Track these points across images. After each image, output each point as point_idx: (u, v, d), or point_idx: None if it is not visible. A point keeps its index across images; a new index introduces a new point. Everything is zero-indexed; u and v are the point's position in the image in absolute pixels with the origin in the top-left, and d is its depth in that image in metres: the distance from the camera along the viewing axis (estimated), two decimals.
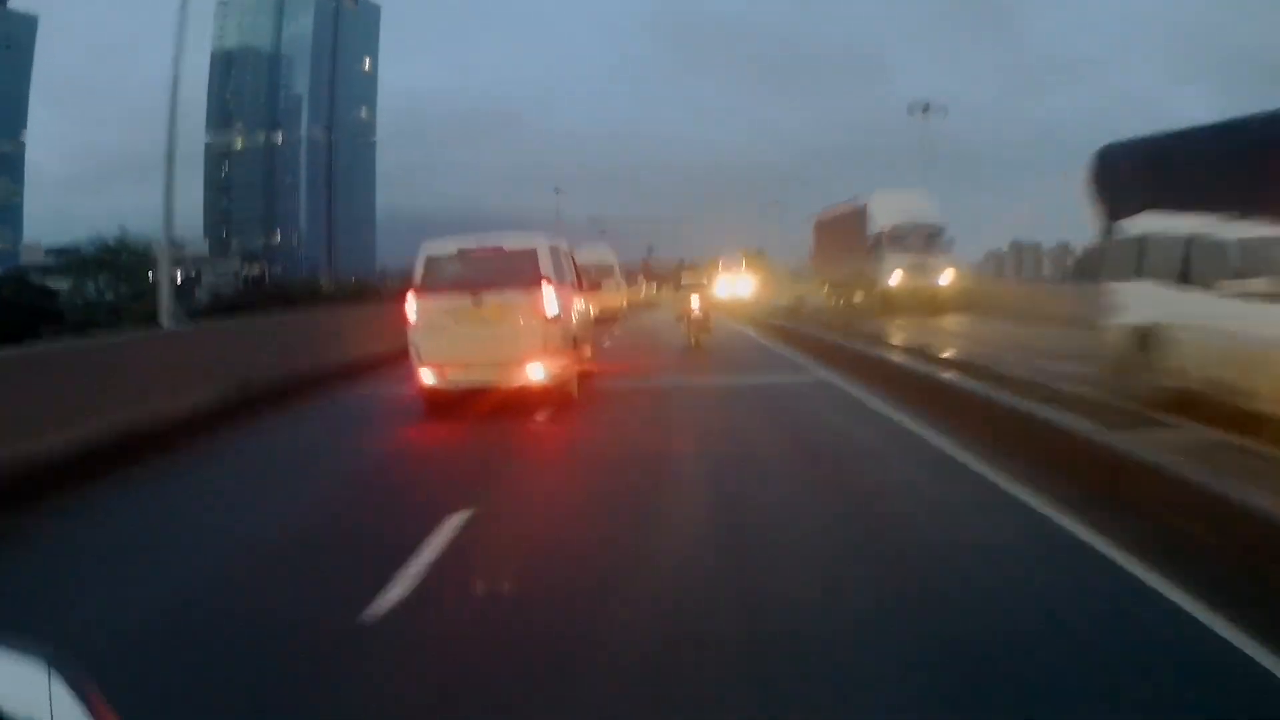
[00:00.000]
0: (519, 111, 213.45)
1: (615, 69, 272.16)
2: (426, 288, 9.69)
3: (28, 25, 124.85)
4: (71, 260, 53.00)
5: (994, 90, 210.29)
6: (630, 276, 45.37)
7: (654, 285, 57.85)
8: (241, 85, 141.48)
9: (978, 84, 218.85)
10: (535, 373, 9.42)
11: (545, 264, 9.70)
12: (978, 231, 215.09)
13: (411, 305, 9.65)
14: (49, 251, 72.81)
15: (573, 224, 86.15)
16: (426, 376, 9.55)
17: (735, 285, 37.26)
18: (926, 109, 40.60)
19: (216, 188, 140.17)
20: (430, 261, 9.89)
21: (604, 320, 29.84)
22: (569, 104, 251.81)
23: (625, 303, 32.33)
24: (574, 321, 10.47)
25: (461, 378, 9.55)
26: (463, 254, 10.02)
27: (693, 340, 16.62)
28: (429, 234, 10.42)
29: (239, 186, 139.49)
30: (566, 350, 9.86)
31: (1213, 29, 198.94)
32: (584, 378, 10.90)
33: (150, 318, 21.35)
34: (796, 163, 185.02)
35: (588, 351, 11.74)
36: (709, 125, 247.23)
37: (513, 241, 10.15)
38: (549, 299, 9.48)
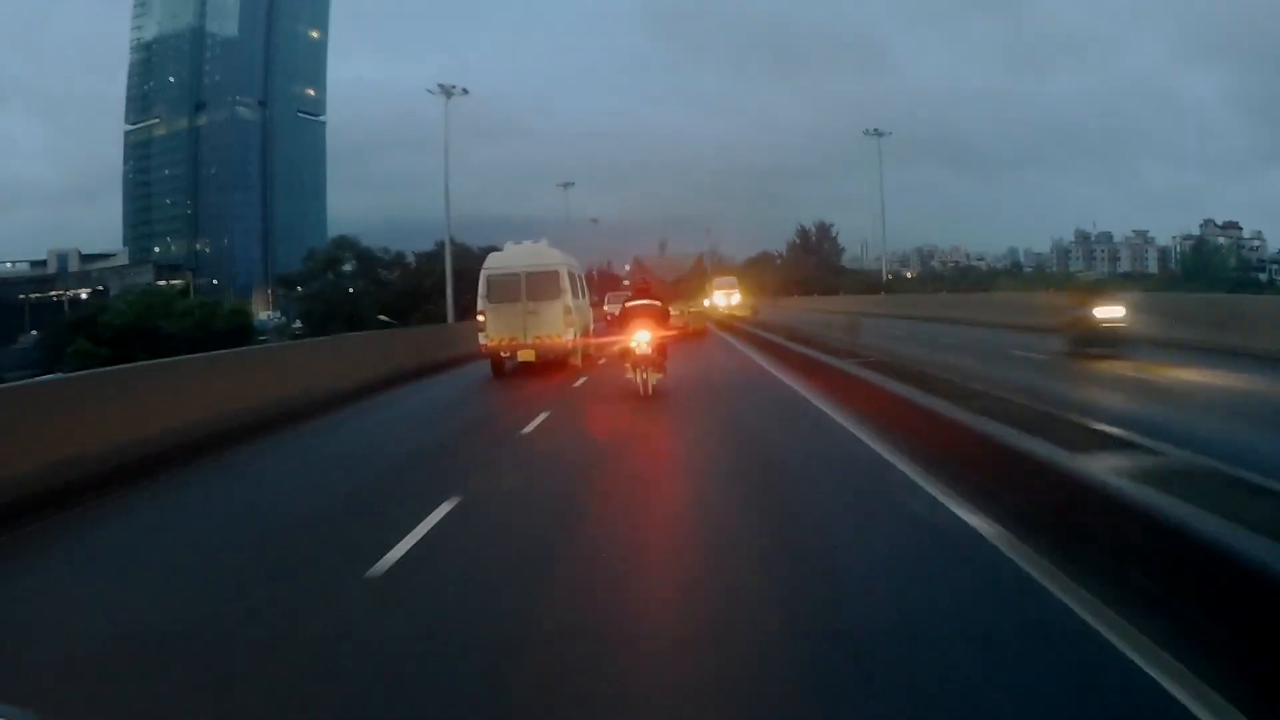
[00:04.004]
0: (513, 110, 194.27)
1: (611, 64, 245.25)
2: None
3: None
4: None
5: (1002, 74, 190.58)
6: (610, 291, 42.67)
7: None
8: (165, 59, 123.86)
9: (987, 67, 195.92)
10: None
11: None
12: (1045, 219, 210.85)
13: None
14: None
15: (575, 224, 71.93)
16: None
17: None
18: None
19: (137, 185, 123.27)
20: None
21: (546, 369, 19.06)
22: (565, 102, 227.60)
23: (577, 339, 19.65)
24: None
25: None
26: None
27: (640, 381, 14.37)
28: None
29: (161, 182, 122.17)
30: None
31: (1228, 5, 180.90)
32: None
33: None
34: (806, 154, 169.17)
35: None
36: (712, 118, 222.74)
37: None
38: None
